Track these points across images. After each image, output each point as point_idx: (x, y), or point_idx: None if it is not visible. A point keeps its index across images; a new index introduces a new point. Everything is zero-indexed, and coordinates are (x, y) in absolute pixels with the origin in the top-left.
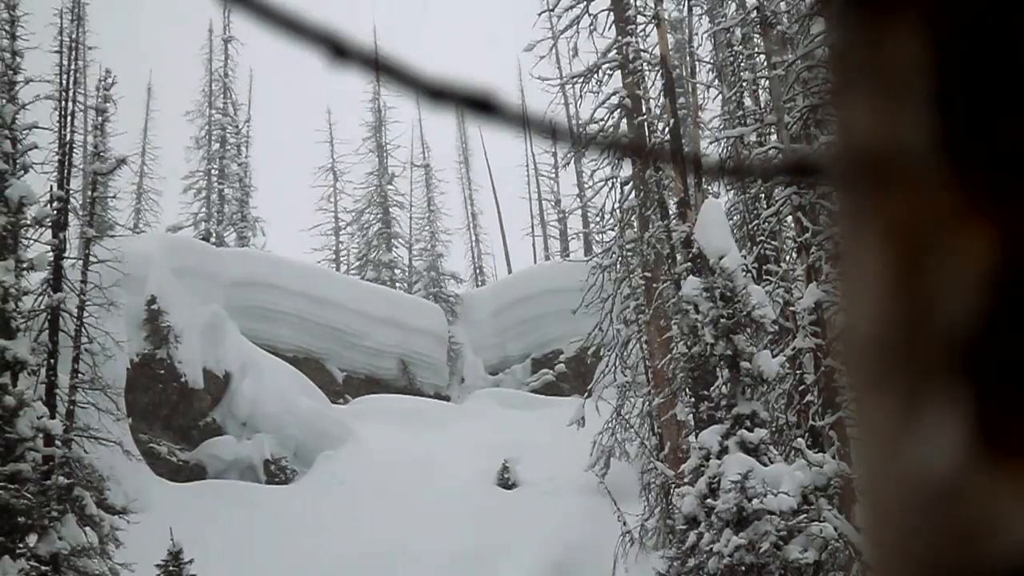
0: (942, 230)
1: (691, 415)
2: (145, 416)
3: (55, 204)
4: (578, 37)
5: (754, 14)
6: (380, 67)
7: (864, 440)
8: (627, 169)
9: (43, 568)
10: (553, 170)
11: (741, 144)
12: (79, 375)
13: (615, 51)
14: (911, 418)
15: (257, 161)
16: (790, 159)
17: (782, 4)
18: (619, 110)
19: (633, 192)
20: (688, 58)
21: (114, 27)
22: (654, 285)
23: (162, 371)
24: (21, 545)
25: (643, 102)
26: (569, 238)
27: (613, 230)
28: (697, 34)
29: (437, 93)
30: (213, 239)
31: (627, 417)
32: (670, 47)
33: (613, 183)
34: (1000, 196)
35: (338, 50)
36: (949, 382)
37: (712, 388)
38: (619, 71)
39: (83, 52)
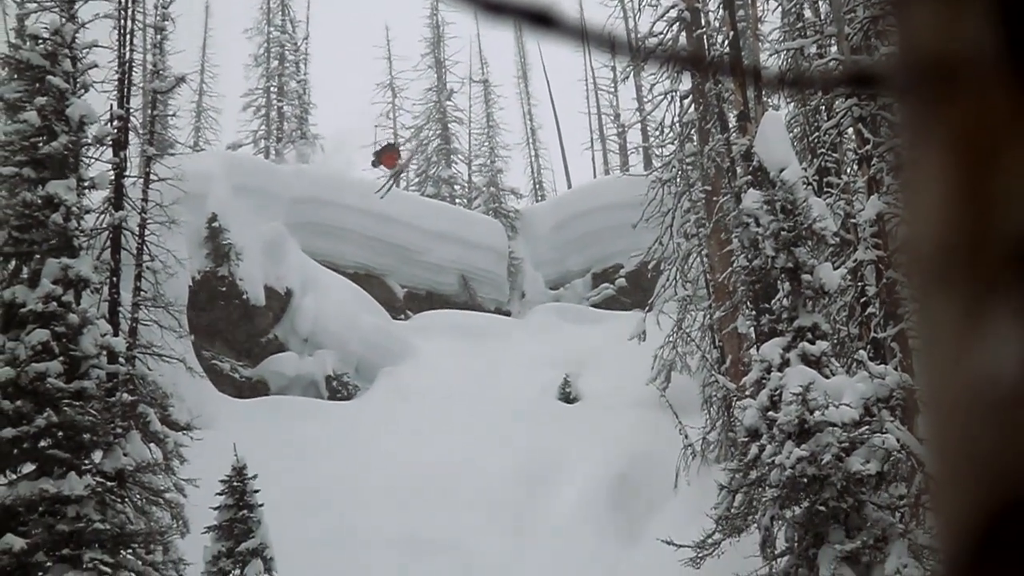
0: (1006, 135)
1: (752, 328)
2: (207, 333)
3: (115, 123)
4: None
5: None
6: None
7: (927, 348)
8: (687, 83)
9: (109, 484)
10: (612, 84)
11: (801, 56)
12: (141, 293)
13: None
14: (975, 324)
15: (316, 78)
16: (850, 70)
17: None
18: (678, 23)
19: (693, 106)
20: None
21: None
22: (714, 199)
23: (224, 288)
24: (87, 462)
25: (702, 15)
26: (629, 153)
27: (673, 144)
28: None
29: (495, 7)
30: (273, 156)
31: (688, 331)
32: None
33: (672, 97)
34: None
35: None
36: (1013, 287)
37: (773, 301)
38: None
39: None
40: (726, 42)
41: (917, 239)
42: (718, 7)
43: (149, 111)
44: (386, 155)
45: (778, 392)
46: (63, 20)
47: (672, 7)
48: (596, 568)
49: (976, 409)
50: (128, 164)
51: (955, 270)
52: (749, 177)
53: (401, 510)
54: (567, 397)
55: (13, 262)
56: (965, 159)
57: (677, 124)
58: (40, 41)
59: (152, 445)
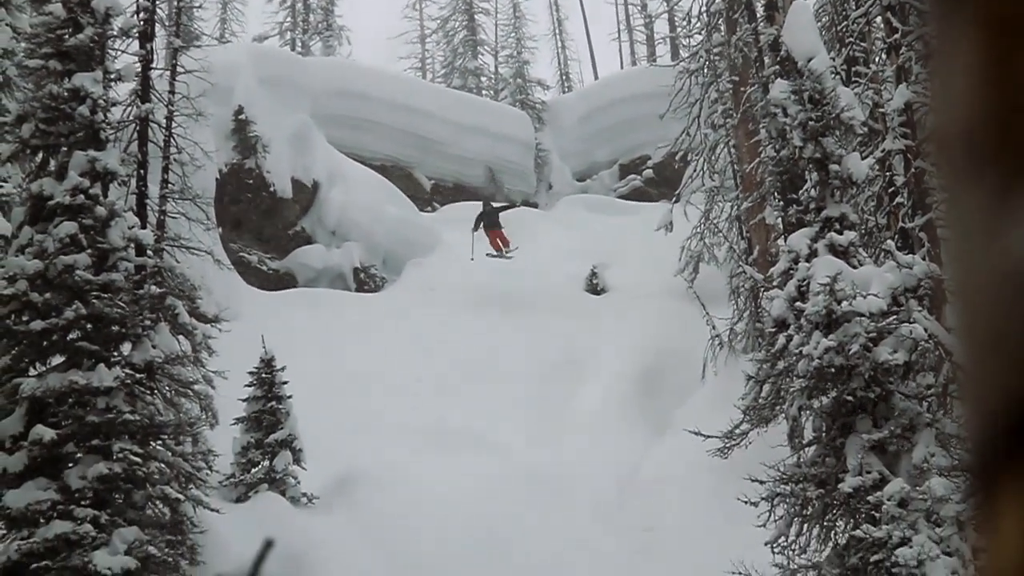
0: None
1: (780, 219)
2: (235, 225)
3: (141, 15)
4: None
5: None
6: None
7: (955, 236)
8: None
9: (138, 376)
10: None
11: None
12: (169, 185)
13: None
14: (1004, 211)
15: None
16: None
17: None
18: None
19: None
20: None
21: None
22: (742, 89)
23: (251, 181)
24: (116, 354)
25: None
26: (656, 43)
27: (700, 34)
28: None
29: None
30: (299, 48)
31: (715, 222)
32: None
33: None
34: None
35: None
36: None
37: (801, 191)
38: None
39: None
40: None
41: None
42: None
43: (175, 2)
44: (493, 233)
45: (806, 283)
46: None
47: None
48: (623, 458)
49: (1004, 296)
50: (155, 56)
51: (984, 157)
52: (777, 67)
53: (428, 401)
54: (594, 289)
55: (40, 155)
56: (995, 46)
57: (704, 14)
58: None
59: (180, 337)
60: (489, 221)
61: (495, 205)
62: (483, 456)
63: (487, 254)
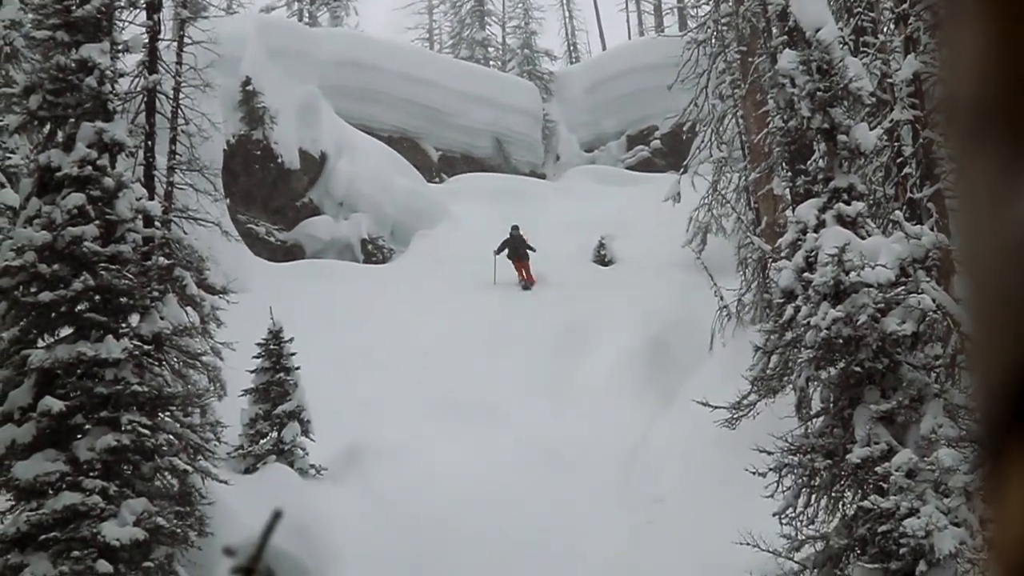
0: None
1: (788, 189)
2: (243, 197)
3: None
4: None
5: None
6: None
7: (964, 206)
8: None
9: (146, 347)
10: None
11: None
12: (176, 156)
13: None
14: (1012, 180)
15: None
16: None
17: None
18: None
19: None
20: None
21: None
22: (750, 59)
23: (258, 152)
24: (124, 325)
25: None
26: (663, 13)
27: (708, 4)
28: None
29: None
30: (306, 19)
31: (723, 192)
32: None
33: None
34: None
35: None
36: None
37: (809, 162)
38: None
39: None
40: None
41: (955, 97)
42: None
43: None
44: (519, 263)
45: (813, 253)
46: None
47: None
48: (631, 429)
49: (1013, 266)
50: (162, 27)
51: (993, 126)
52: (785, 37)
53: (436, 372)
54: (602, 260)
55: (48, 126)
56: (1003, 16)
57: None
58: None
59: (189, 308)
60: (515, 250)
61: (524, 238)
62: (491, 427)
63: (521, 286)
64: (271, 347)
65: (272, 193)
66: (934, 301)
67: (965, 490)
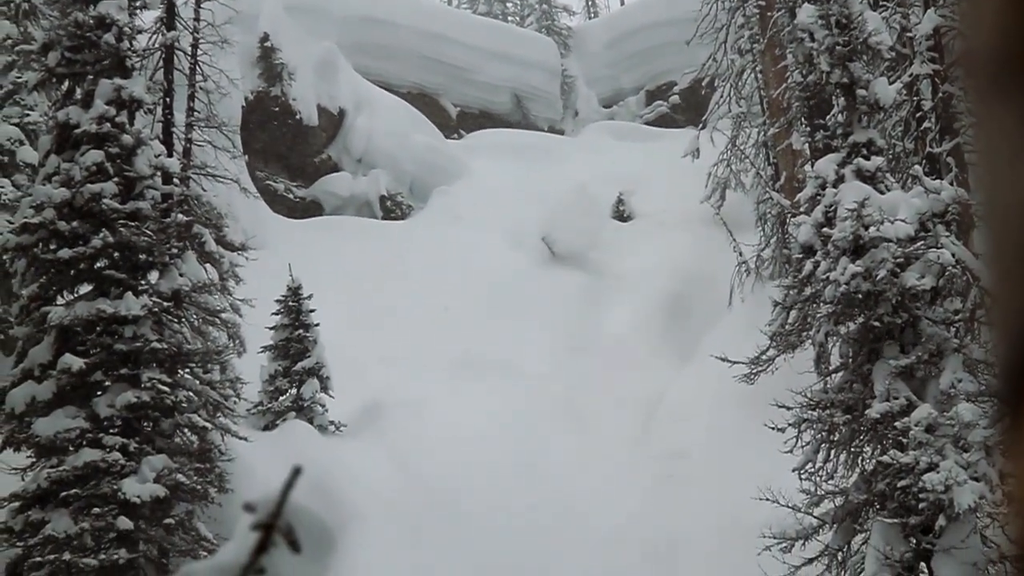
0: None
1: (807, 144)
2: (261, 154)
3: None
4: None
5: None
6: None
7: (984, 159)
8: None
9: (165, 304)
10: None
11: None
12: (195, 113)
13: None
14: None
15: None
16: None
17: None
18: None
19: None
20: None
21: None
22: (768, 14)
23: (276, 108)
24: (143, 282)
25: None
26: None
27: None
28: None
29: None
30: None
31: (742, 148)
32: None
33: None
34: None
35: None
36: None
37: (828, 116)
38: None
39: None
40: None
41: (974, 51)
42: None
43: None
44: None
45: (833, 208)
46: None
47: None
48: (650, 385)
49: None
50: None
51: (1012, 80)
52: None
53: (455, 329)
54: (621, 216)
55: (66, 83)
56: None
57: None
58: None
59: (207, 265)
60: None
61: None
62: (510, 384)
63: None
64: (290, 304)
65: (290, 150)
66: (953, 256)
67: (984, 445)
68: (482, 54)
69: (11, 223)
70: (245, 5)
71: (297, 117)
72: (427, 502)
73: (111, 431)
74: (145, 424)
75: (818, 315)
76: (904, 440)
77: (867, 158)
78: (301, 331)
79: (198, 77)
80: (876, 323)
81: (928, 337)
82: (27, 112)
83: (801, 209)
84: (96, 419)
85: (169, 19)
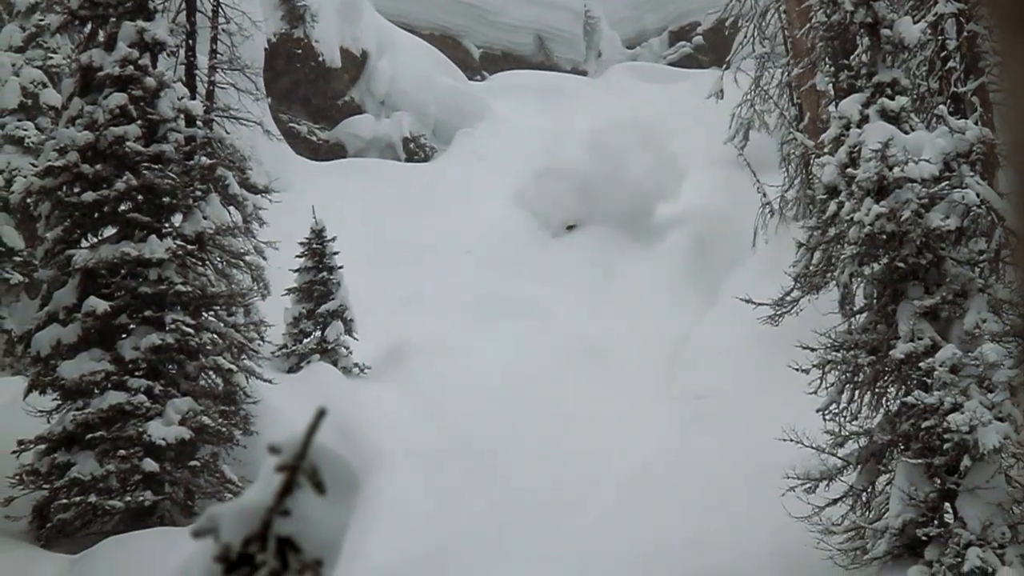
0: None
1: (831, 84)
2: (285, 96)
3: None
4: None
5: None
6: None
7: (1009, 99)
8: None
9: (189, 247)
10: None
11: None
12: (217, 56)
13: None
14: None
15: None
16: None
17: None
18: None
19: None
20: None
21: None
22: None
23: (299, 51)
24: (167, 225)
25: None
26: None
27: None
28: None
29: None
30: None
31: (766, 88)
32: None
33: None
34: None
35: None
36: None
37: (852, 57)
38: None
39: None
40: None
41: None
42: None
43: None
44: None
45: (857, 148)
46: None
47: None
48: (674, 327)
49: None
50: None
51: None
52: None
53: (478, 272)
54: None
55: (89, 26)
56: None
57: None
58: None
59: (231, 208)
60: None
61: None
62: (534, 327)
63: None
64: (314, 246)
65: (313, 92)
66: (978, 196)
67: (1009, 385)
68: None
69: (35, 166)
70: None
71: (320, 59)
72: (449, 442)
73: (136, 374)
74: (170, 367)
75: (842, 256)
76: (928, 380)
77: (891, 98)
78: (325, 273)
79: (220, 19)
80: (900, 264)
81: (952, 277)
82: (50, 55)
83: (825, 150)
84: (121, 362)
85: None
